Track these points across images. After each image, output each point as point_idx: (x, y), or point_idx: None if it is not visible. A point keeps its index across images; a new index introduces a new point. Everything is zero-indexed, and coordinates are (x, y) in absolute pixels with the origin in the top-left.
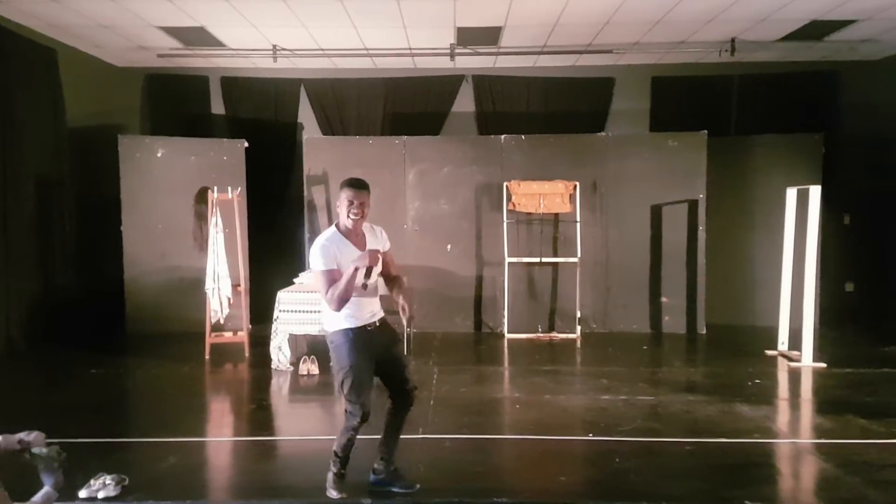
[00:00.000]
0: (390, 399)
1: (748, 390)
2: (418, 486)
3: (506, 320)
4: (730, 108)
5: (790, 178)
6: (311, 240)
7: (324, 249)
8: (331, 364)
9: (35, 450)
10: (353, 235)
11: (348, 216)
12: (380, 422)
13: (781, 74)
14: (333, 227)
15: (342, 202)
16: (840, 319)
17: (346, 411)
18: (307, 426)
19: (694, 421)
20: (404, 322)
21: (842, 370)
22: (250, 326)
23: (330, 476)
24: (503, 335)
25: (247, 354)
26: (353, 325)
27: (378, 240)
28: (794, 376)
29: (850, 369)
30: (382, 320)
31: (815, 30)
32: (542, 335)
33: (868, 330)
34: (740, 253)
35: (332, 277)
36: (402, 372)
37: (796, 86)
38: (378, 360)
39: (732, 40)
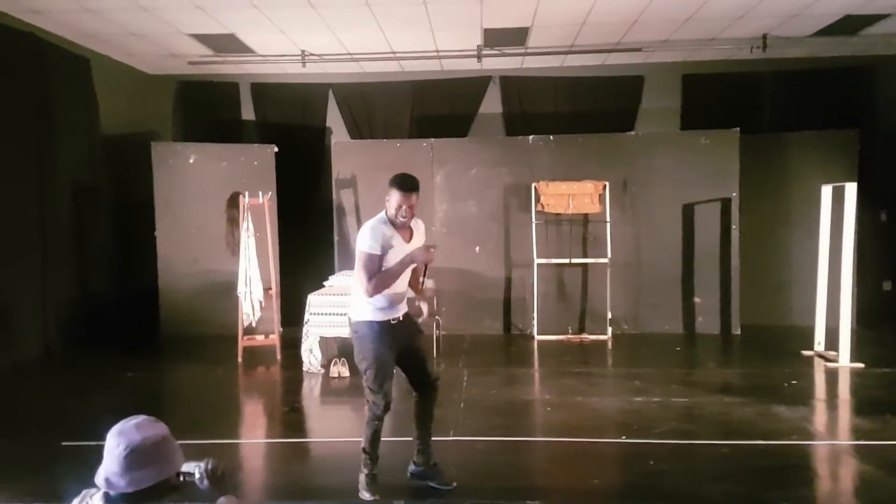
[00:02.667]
0: (415, 392)
1: (784, 391)
2: (455, 484)
3: (535, 322)
4: (762, 105)
5: (825, 175)
6: (341, 243)
7: (374, 231)
8: (354, 353)
9: (184, 468)
10: (401, 228)
11: (397, 217)
12: (410, 422)
13: (815, 70)
14: (384, 215)
15: (392, 201)
16: (878, 319)
17: (367, 402)
18: (338, 428)
19: (729, 423)
20: (423, 316)
21: (880, 370)
22: (281, 329)
23: (362, 478)
24: (533, 337)
25: (278, 357)
26: (379, 319)
27: (422, 234)
28: (832, 377)
29: (888, 369)
30: (406, 314)
31: (849, 24)
32: (572, 336)
33: None
34: (775, 252)
35: (374, 262)
36: (424, 364)
37: (830, 81)
38: (400, 352)
39: (764, 36)
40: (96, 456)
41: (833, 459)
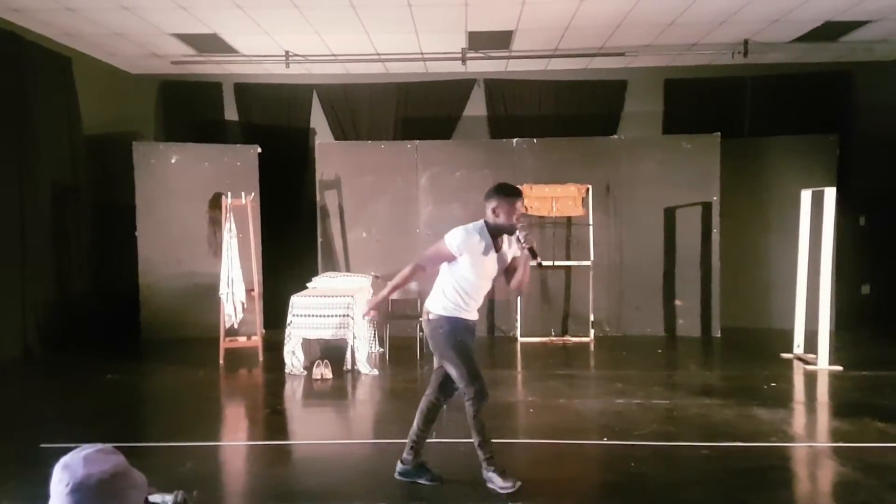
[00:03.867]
0: (440, 392)
1: (764, 393)
2: (442, 480)
3: (519, 324)
4: (743, 110)
5: (805, 179)
6: (324, 244)
7: (468, 238)
8: (433, 347)
9: (152, 499)
10: (498, 236)
11: (514, 222)
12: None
13: (795, 75)
14: (483, 223)
15: (503, 209)
16: (856, 322)
17: (471, 399)
18: (321, 430)
19: (710, 425)
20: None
21: (858, 373)
22: (264, 331)
23: (493, 475)
24: (516, 339)
25: (261, 359)
26: (466, 318)
27: (511, 245)
28: (810, 379)
29: (866, 372)
30: (475, 320)
31: (830, 31)
32: (555, 339)
33: (884, 332)
34: (755, 255)
35: (442, 258)
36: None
37: (810, 87)
38: None
39: (745, 42)
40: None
41: (812, 461)
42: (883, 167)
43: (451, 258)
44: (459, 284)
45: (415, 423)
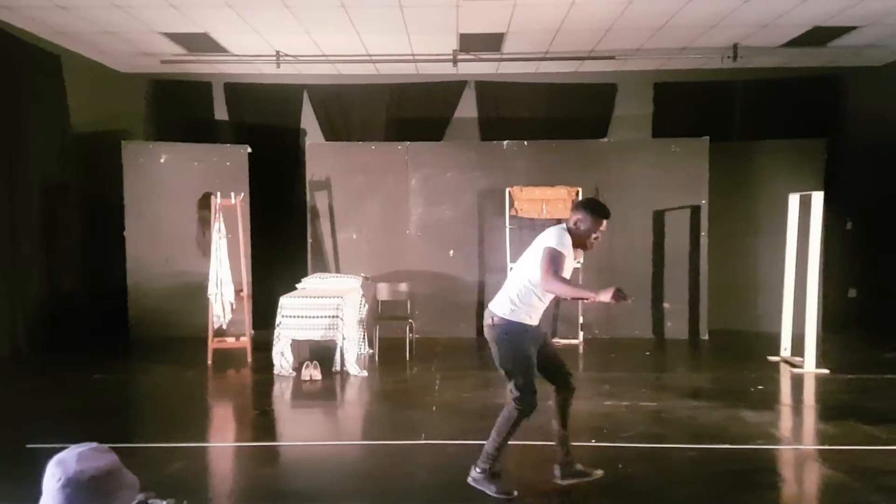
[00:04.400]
0: (555, 388)
1: (751, 396)
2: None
3: None
4: (732, 114)
5: (793, 183)
6: (314, 245)
7: (565, 239)
8: (494, 352)
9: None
10: (574, 244)
11: (590, 240)
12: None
13: (784, 80)
14: (565, 228)
15: (588, 224)
16: (843, 325)
17: (513, 404)
18: (310, 432)
19: (698, 427)
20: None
21: (845, 376)
22: (253, 332)
23: (485, 483)
24: None
25: (249, 360)
26: (529, 323)
27: (581, 254)
28: (797, 382)
29: (853, 375)
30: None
31: (818, 36)
32: None
33: (871, 336)
34: (743, 258)
35: (562, 261)
36: (558, 359)
37: (799, 91)
38: (539, 354)
39: (734, 46)
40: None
41: (799, 464)
42: (870, 172)
43: (563, 257)
44: (538, 289)
45: (494, 432)
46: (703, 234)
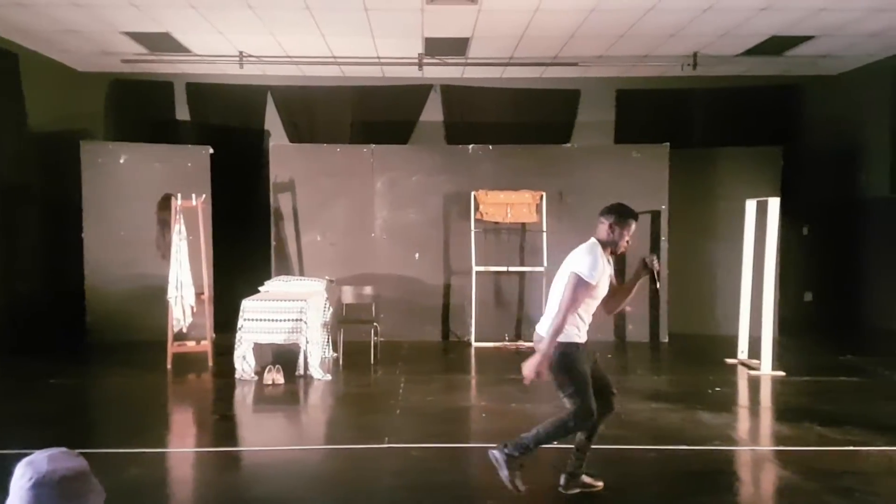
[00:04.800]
0: (602, 405)
1: (709, 398)
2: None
3: (473, 329)
4: (692, 121)
5: (750, 189)
6: (278, 247)
7: (599, 261)
8: (552, 377)
9: None
10: (608, 254)
11: (623, 243)
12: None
13: (742, 88)
14: (596, 241)
15: (621, 229)
16: (799, 329)
17: (571, 417)
18: (272, 436)
19: (657, 428)
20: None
21: (800, 378)
22: (214, 335)
23: (506, 469)
24: (470, 344)
25: (210, 364)
26: (580, 341)
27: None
28: (754, 384)
29: (808, 378)
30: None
31: (776, 45)
32: (508, 344)
33: (826, 339)
34: (702, 263)
35: (588, 292)
36: (605, 378)
37: (757, 99)
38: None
39: (695, 54)
40: (14, 464)
41: (755, 465)
42: (825, 178)
43: (589, 287)
44: (581, 309)
45: (540, 427)
46: (664, 238)
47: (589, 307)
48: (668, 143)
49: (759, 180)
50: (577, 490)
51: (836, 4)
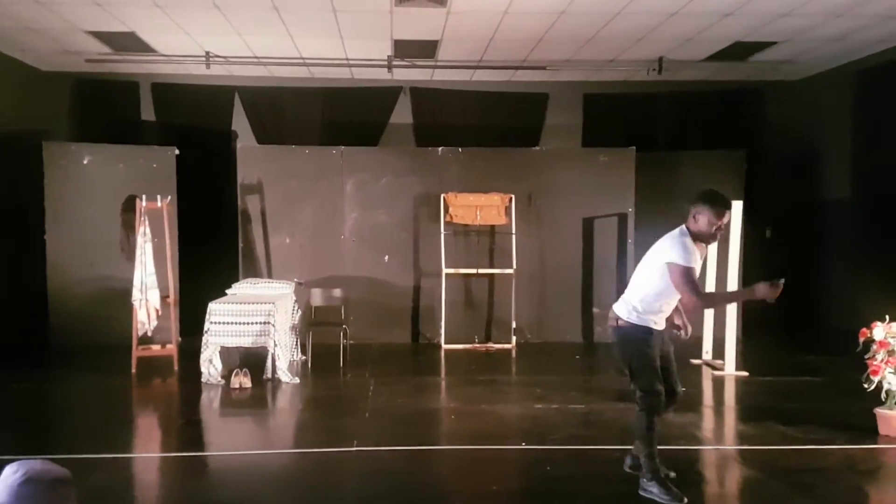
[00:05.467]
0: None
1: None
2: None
3: (443, 331)
4: (657, 125)
5: None
6: (245, 250)
7: (688, 246)
8: (618, 353)
9: None
10: (699, 244)
11: (713, 234)
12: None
13: (707, 92)
14: (685, 229)
15: (707, 217)
16: (762, 329)
17: (639, 404)
18: (239, 441)
19: (623, 428)
20: (683, 335)
21: (763, 378)
22: (180, 339)
23: (657, 489)
24: (440, 346)
25: (175, 368)
26: (655, 328)
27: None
28: (718, 384)
29: (771, 377)
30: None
31: (739, 50)
32: (478, 345)
33: (789, 340)
34: None
35: (694, 275)
36: (672, 373)
37: (721, 104)
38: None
39: (660, 59)
40: None
41: (720, 464)
42: (788, 182)
43: (693, 272)
44: (666, 295)
45: (638, 442)
46: (630, 241)
47: (673, 297)
48: (634, 147)
49: (722, 183)
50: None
51: (797, 10)
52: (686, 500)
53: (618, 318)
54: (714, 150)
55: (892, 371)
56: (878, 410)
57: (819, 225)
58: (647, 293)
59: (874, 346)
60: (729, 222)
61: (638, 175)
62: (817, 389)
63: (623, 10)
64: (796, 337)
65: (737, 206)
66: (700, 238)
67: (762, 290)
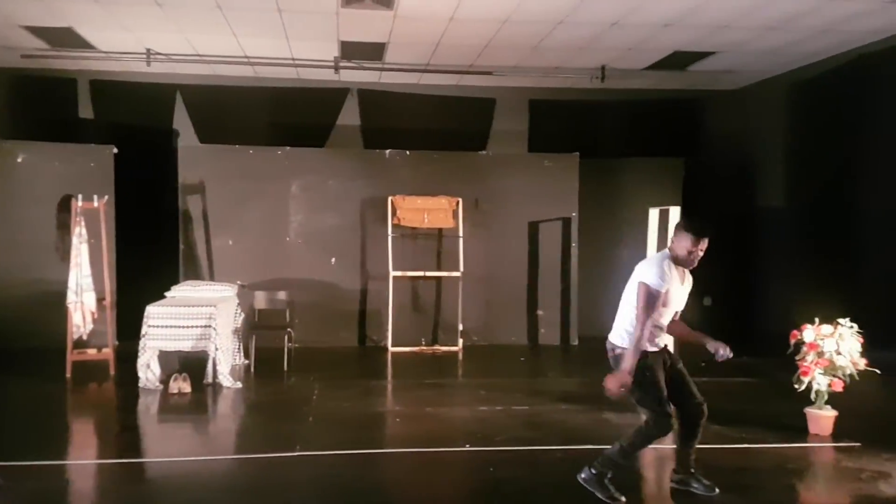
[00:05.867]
0: (679, 413)
1: (615, 399)
2: (717, 490)
3: (390, 334)
4: (601, 132)
5: (654, 198)
6: (186, 252)
7: (664, 271)
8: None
9: None
10: (679, 268)
11: (689, 259)
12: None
13: (648, 101)
14: (668, 253)
15: (685, 242)
16: (698, 331)
17: (649, 424)
18: (178, 447)
19: (566, 429)
20: (721, 355)
21: (699, 379)
22: (117, 343)
23: (593, 479)
24: (387, 349)
25: (112, 372)
26: (650, 349)
27: (689, 278)
28: None
29: (706, 378)
30: (665, 346)
31: (679, 60)
32: (425, 348)
33: (724, 341)
34: (610, 268)
35: (658, 299)
36: (689, 386)
37: (661, 112)
38: (666, 376)
39: (603, 68)
40: None
41: (658, 463)
42: (725, 188)
43: (660, 295)
44: (655, 317)
45: (623, 440)
46: (574, 244)
47: (663, 315)
48: (577, 153)
49: (662, 190)
50: (681, 484)
51: (734, 22)
52: (623, 499)
53: (614, 348)
54: (655, 158)
55: (822, 372)
56: (808, 410)
57: (754, 231)
58: (634, 316)
59: (804, 348)
60: (706, 248)
61: (582, 180)
62: (751, 390)
63: (565, 19)
64: (731, 339)
65: (675, 212)
66: (679, 262)
67: (619, 377)
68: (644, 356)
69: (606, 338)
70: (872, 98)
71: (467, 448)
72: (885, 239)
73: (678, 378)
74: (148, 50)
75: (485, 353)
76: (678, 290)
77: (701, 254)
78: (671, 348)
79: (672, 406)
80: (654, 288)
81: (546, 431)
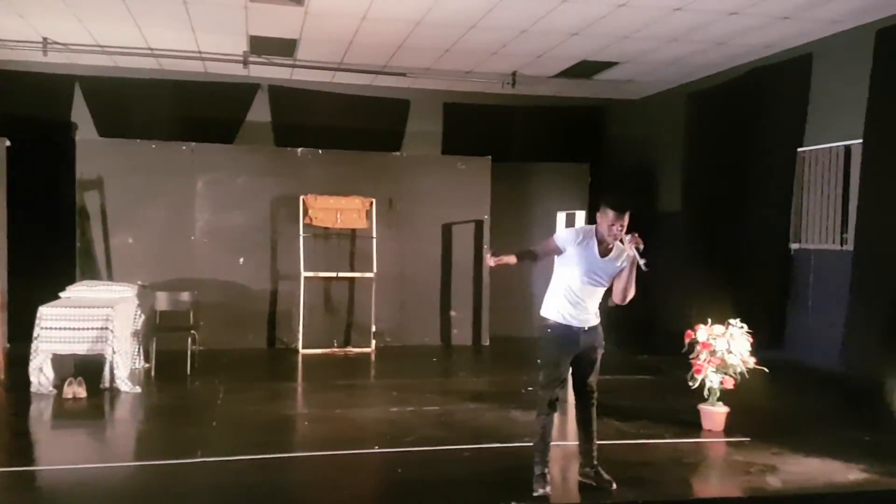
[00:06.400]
0: (575, 398)
1: (522, 397)
2: (615, 486)
3: (301, 335)
4: (512, 137)
5: (561, 202)
6: (83, 250)
7: (577, 234)
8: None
9: None
10: (603, 243)
11: (611, 232)
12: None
13: (556, 108)
14: (594, 227)
15: (605, 218)
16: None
17: (539, 406)
18: (72, 454)
19: (474, 428)
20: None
21: (602, 377)
22: (8, 345)
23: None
24: (298, 351)
25: (2, 376)
26: (565, 323)
27: (619, 252)
28: (568, 384)
29: (608, 376)
30: (592, 327)
31: (585, 69)
32: (337, 350)
33: (625, 341)
34: (520, 270)
35: (549, 246)
36: (589, 372)
37: (568, 119)
38: (575, 358)
39: (514, 74)
40: None
41: (562, 458)
42: (627, 194)
43: (556, 251)
44: (566, 289)
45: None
46: (486, 246)
47: (583, 294)
48: (490, 157)
49: (569, 194)
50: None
51: (635, 34)
52: (541, 492)
53: (543, 318)
54: (562, 163)
55: (714, 370)
56: (702, 406)
57: (654, 236)
58: (558, 287)
59: (698, 347)
60: (625, 225)
61: (493, 183)
62: (649, 388)
63: (477, 24)
64: (633, 338)
65: (580, 216)
66: (602, 237)
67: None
68: (559, 328)
69: (517, 337)
70: (762, 110)
71: (376, 450)
72: (770, 244)
73: (585, 362)
74: (45, 39)
75: (398, 353)
76: (593, 260)
77: (621, 229)
78: (597, 332)
79: (563, 390)
80: (554, 237)
81: (455, 431)
